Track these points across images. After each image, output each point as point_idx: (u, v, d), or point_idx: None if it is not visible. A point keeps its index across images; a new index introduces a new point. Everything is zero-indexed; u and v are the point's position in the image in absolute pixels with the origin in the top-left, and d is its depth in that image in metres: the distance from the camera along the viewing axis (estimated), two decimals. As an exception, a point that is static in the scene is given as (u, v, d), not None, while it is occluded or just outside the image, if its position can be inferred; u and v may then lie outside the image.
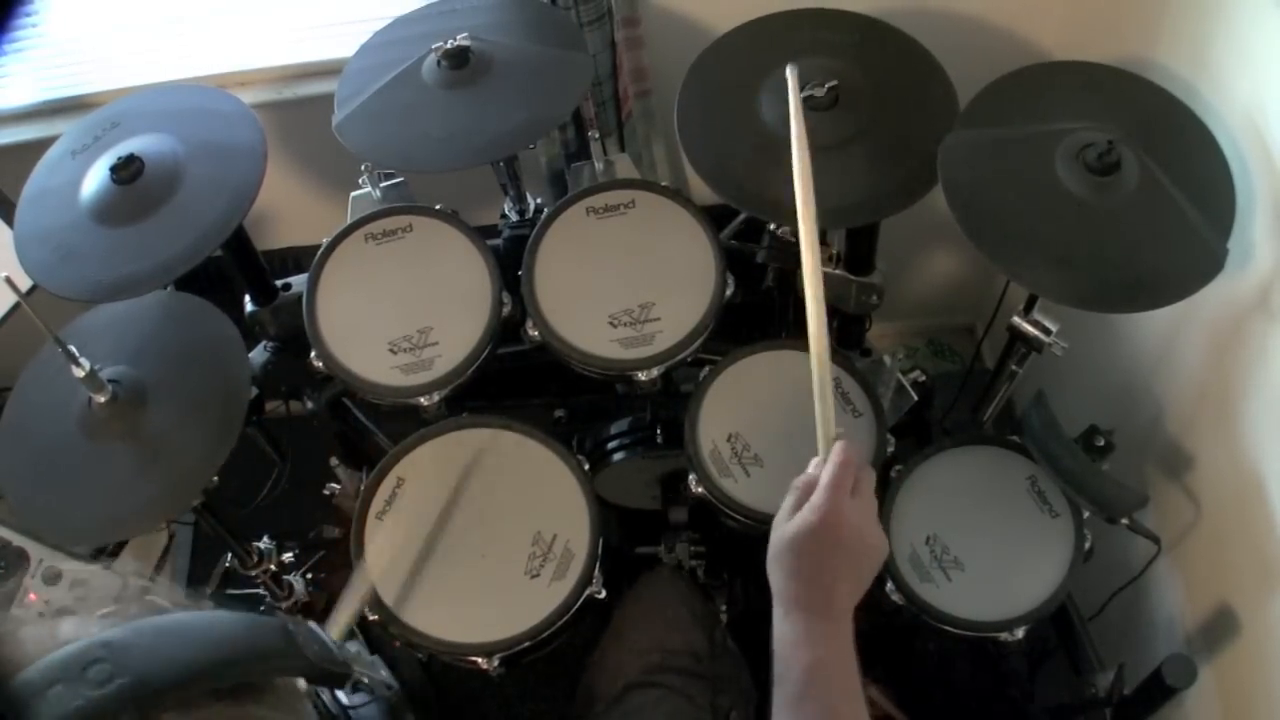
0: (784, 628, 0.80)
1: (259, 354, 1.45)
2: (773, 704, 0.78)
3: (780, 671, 0.79)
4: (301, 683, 0.47)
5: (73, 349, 1.05)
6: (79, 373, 1.06)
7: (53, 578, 1.37)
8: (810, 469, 0.87)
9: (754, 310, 1.45)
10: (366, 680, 0.50)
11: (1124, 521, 1.19)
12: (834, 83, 1.17)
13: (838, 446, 0.86)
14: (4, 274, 1.01)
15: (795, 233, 1.37)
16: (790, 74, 1.00)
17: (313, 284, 1.24)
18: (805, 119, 1.18)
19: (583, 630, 1.20)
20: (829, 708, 0.77)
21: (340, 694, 0.50)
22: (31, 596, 1.36)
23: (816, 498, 0.82)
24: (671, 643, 1.24)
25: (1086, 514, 1.16)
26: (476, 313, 1.22)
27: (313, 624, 0.48)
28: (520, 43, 1.30)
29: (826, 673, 0.78)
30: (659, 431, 1.45)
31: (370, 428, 1.60)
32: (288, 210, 1.79)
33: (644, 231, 1.27)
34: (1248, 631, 1.24)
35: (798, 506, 0.83)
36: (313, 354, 1.22)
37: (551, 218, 1.27)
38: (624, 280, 1.23)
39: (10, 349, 1.29)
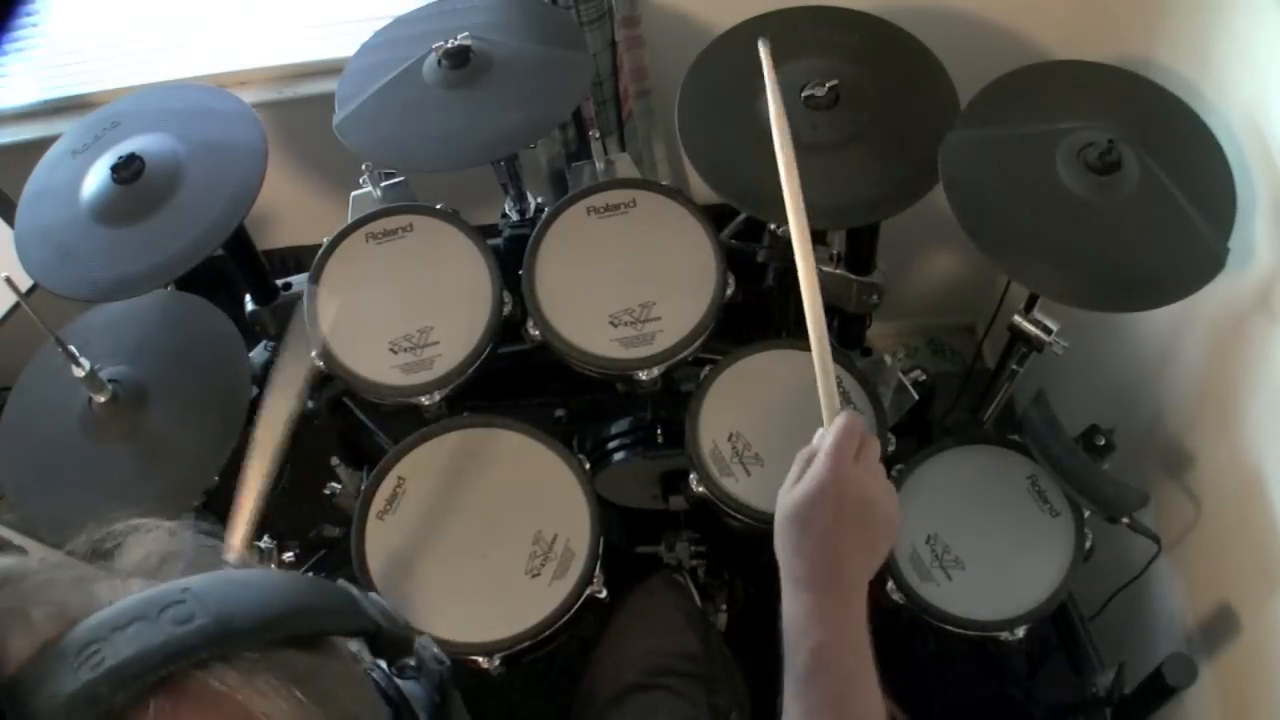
0: (791, 608, 0.76)
1: (259, 353, 1.45)
2: (783, 687, 0.74)
3: (788, 653, 0.75)
4: (357, 651, 0.47)
5: (73, 349, 1.05)
6: (79, 373, 1.07)
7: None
8: (815, 441, 0.84)
9: (754, 310, 1.45)
10: (414, 659, 0.50)
11: (1124, 521, 1.19)
12: (834, 82, 1.17)
13: (840, 415, 0.83)
14: (4, 274, 1.01)
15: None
16: (762, 48, 0.94)
17: (313, 283, 1.24)
18: (804, 118, 1.18)
19: (583, 630, 1.20)
20: (835, 693, 0.73)
21: (388, 667, 0.51)
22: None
23: (817, 465, 0.78)
24: (668, 645, 1.24)
25: (1087, 513, 1.16)
26: (477, 312, 1.22)
27: (373, 594, 0.48)
28: (520, 42, 1.30)
29: (833, 655, 0.73)
30: (659, 431, 1.44)
31: (371, 427, 1.60)
32: (288, 210, 1.79)
33: (644, 231, 1.27)
34: (1248, 631, 1.24)
35: (800, 477, 0.80)
36: (313, 353, 1.21)
37: (552, 217, 1.27)
38: (624, 280, 1.23)
39: (10, 349, 1.29)
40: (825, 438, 0.81)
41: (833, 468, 0.77)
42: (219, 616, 0.37)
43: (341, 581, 0.47)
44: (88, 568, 0.42)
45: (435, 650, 0.54)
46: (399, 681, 0.52)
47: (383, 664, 0.52)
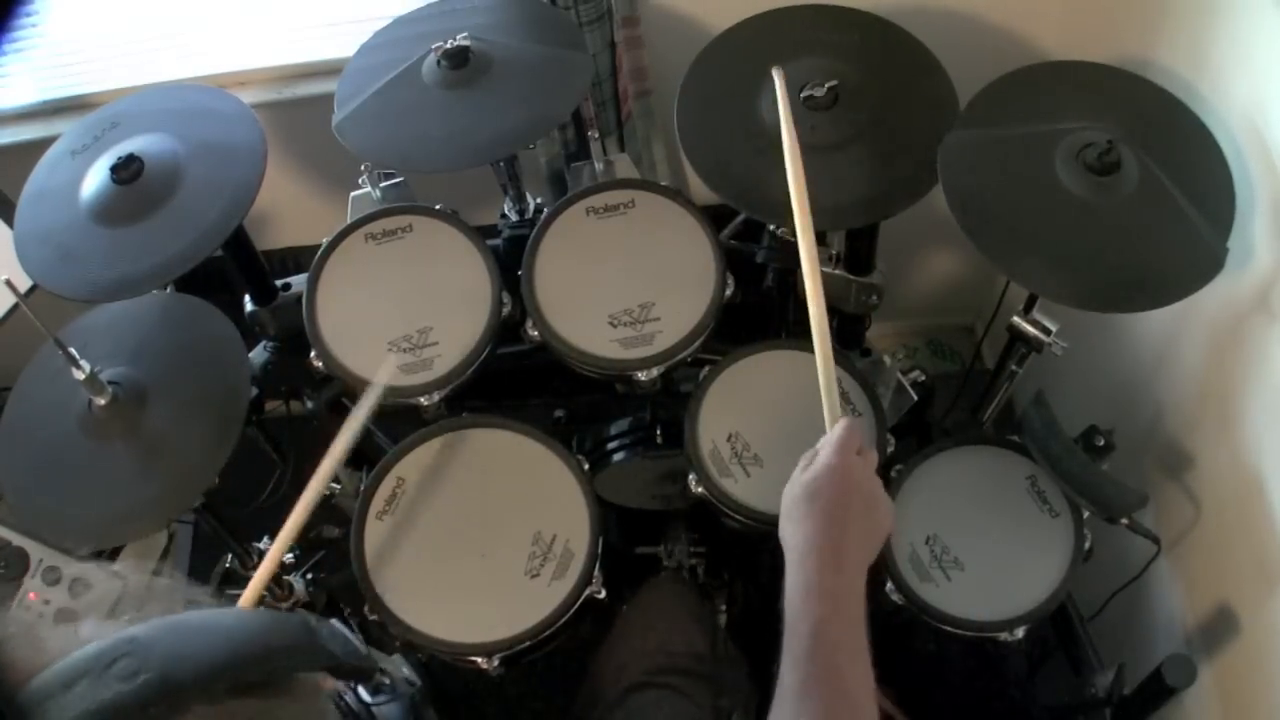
0: (795, 579, 0.80)
1: (259, 354, 1.45)
2: (780, 659, 0.78)
3: (789, 624, 0.78)
4: (323, 681, 0.47)
5: (73, 351, 1.05)
6: (79, 375, 1.06)
7: (53, 578, 1.37)
8: (819, 444, 0.89)
9: (754, 310, 1.45)
10: (388, 679, 0.50)
11: (1124, 521, 1.19)
12: (834, 82, 1.17)
13: (842, 419, 0.89)
14: (4, 277, 1.01)
15: (793, 230, 1.37)
16: (777, 76, 1.04)
17: (313, 284, 1.24)
18: (804, 118, 1.18)
19: (583, 630, 1.20)
20: (834, 666, 0.76)
21: (362, 691, 0.50)
22: (31, 596, 1.36)
23: (824, 453, 0.84)
24: (674, 644, 1.24)
25: (1086, 514, 1.16)
26: (476, 313, 1.22)
27: (334, 621, 0.48)
28: (520, 42, 1.30)
29: (834, 631, 0.77)
30: (659, 431, 1.44)
31: (370, 427, 1.60)
32: (288, 210, 1.79)
33: (644, 231, 1.27)
34: (1248, 631, 1.24)
35: (808, 467, 0.86)
36: (313, 354, 1.22)
37: (551, 218, 1.27)
38: (624, 280, 1.23)
39: (10, 349, 1.29)
40: (830, 434, 0.87)
41: (840, 455, 0.83)
42: (163, 671, 0.37)
43: (301, 612, 0.46)
44: (36, 617, 0.42)
45: (407, 672, 0.55)
46: (374, 705, 0.52)
47: (360, 689, 0.52)
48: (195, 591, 0.48)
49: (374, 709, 0.51)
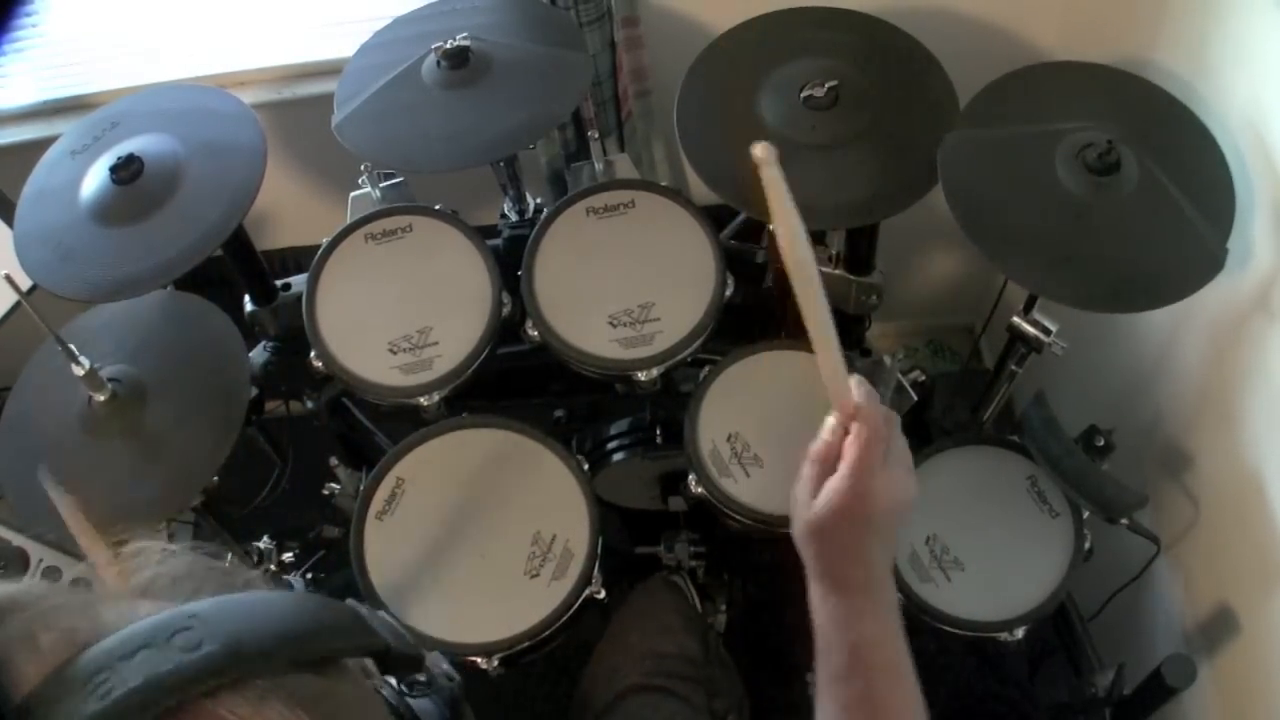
0: (822, 609, 0.76)
1: (259, 354, 1.45)
2: (815, 681, 0.76)
3: (821, 649, 0.75)
4: (370, 669, 0.47)
5: (72, 347, 1.05)
6: (79, 371, 1.07)
7: (53, 579, 1.37)
8: (825, 433, 0.79)
9: (754, 310, 1.45)
10: (424, 675, 0.50)
11: (1124, 521, 1.19)
12: (834, 82, 1.17)
13: (862, 416, 0.75)
14: (4, 272, 1.01)
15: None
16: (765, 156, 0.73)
17: (313, 284, 1.24)
18: (804, 118, 1.18)
19: (582, 631, 1.20)
20: (869, 688, 0.74)
21: (399, 683, 0.50)
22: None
23: (841, 480, 0.74)
24: (666, 647, 1.24)
25: (1086, 514, 1.16)
26: (476, 313, 1.22)
27: (382, 613, 0.48)
28: (520, 43, 1.30)
29: (867, 652, 0.74)
30: (659, 431, 1.44)
31: (370, 428, 1.60)
32: (288, 210, 1.79)
33: (644, 231, 1.27)
34: (1248, 631, 1.24)
35: (818, 481, 0.76)
36: (312, 354, 1.22)
37: (551, 218, 1.27)
38: (624, 280, 1.23)
39: (10, 348, 1.29)
40: (849, 446, 0.76)
41: (854, 486, 0.74)
42: (227, 643, 0.37)
43: (350, 601, 0.46)
44: (94, 591, 0.41)
45: (446, 667, 0.54)
46: (410, 699, 0.52)
47: (393, 681, 0.52)
48: (249, 574, 0.48)
49: (409, 700, 0.51)
